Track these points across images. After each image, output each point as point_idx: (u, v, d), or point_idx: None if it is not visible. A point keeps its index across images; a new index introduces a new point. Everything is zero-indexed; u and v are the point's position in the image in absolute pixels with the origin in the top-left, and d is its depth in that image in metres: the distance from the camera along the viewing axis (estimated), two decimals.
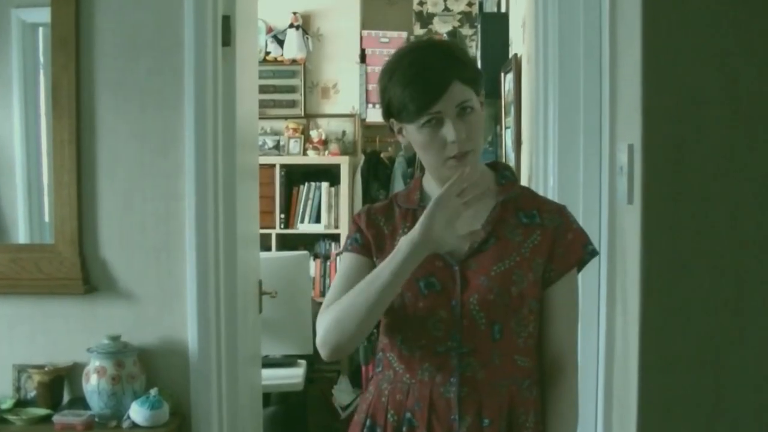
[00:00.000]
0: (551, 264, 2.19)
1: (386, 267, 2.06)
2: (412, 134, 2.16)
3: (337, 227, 6.89)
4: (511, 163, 4.37)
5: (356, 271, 2.22)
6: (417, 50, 2.21)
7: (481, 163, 2.30)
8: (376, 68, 7.25)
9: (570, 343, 2.26)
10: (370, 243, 2.26)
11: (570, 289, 2.24)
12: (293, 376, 5.31)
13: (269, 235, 6.84)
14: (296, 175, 7.06)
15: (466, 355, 2.13)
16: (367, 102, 7.24)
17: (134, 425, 3.24)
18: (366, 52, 7.35)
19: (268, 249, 6.74)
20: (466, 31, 7.60)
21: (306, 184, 6.99)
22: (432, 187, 2.26)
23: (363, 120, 7.26)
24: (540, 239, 2.19)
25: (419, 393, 2.16)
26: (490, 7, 6.24)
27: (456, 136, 2.09)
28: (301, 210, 6.95)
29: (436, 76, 2.10)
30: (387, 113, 2.22)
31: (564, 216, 2.25)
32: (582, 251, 2.23)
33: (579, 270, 2.26)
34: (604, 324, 2.75)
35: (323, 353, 2.15)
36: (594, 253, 2.26)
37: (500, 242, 2.18)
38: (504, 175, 2.30)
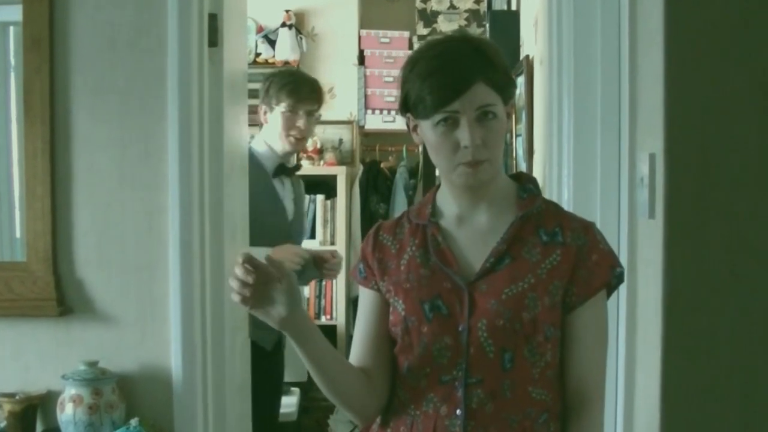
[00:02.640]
0: (573, 287, 2.14)
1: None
2: (425, 132, 2.17)
3: (333, 243, 6.87)
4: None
5: (367, 308, 2.30)
6: (446, 42, 2.19)
7: (504, 174, 2.29)
8: (375, 71, 7.27)
9: (594, 375, 2.20)
10: (374, 271, 2.28)
11: (595, 316, 2.18)
12: (286, 405, 5.30)
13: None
14: None
15: (472, 386, 2.11)
16: (366, 108, 7.25)
17: None
18: (365, 54, 7.36)
19: None
20: (473, 30, 7.61)
21: None
22: (445, 200, 2.26)
23: (361, 127, 7.26)
24: (560, 260, 2.15)
25: (423, 426, 2.15)
26: (499, 4, 6.25)
27: (470, 141, 2.09)
28: None
29: (460, 72, 2.09)
30: (404, 106, 2.22)
31: (590, 234, 2.19)
32: (608, 274, 2.17)
33: (609, 295, 2.21)
34: (623, 350, 2.75)
35: None
36: (622, 277, 2.20)
37: (516, 262, 2.15)
38: (526, 188, 2.26)
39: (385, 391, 2.26)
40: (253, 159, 4.34)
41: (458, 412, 2.11)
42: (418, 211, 2.30)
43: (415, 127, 2.22)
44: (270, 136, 4.49)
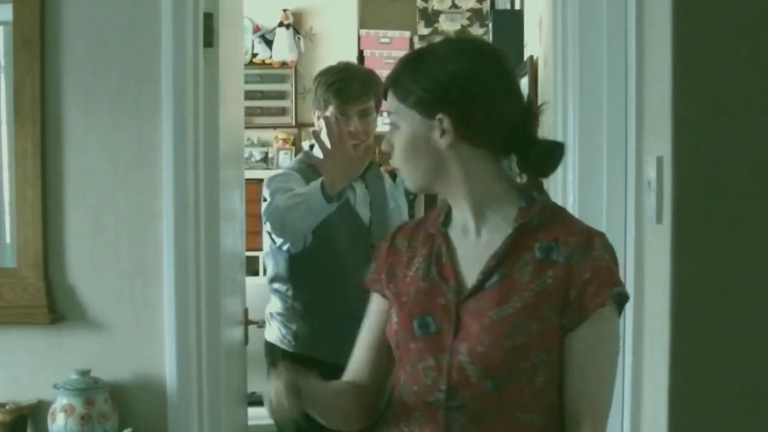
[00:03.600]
0: (567, 310, 2.05)
1: None
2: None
3: None
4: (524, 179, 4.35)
5: (372, 313, 2.34)
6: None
7: (509, 181, 2.22)
8: (375, 71, 7.26)
9: (590, 400, 2.08)
10: (382, 275, 2.29)
11: (594, 340, 2.07)
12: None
13: (256, 258, 6.82)
14: None
15: (454, 410, 2.07)
16: None
17: None
18: (364, 54, 7.38)
19: (256, 273, 6.73)
20: (476, 30, 7.63)
21: None
22: (459, 208, 2.23)
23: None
24: (551, 282, 2.06)
25: None
26: (502, 3, 6.26)
27: None
28: None
29: None
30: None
31: (589, 249, 2.07)
32: (603, 296, 2.05)
33: (619, 313, 2.10)
34: (630, 358, 2.75)
35: None
36: (623, 297, 2.09)
37: (505, 281, 2.09)
38: (528, 195, 2.16)
39: (380, 398, 2.28)
40: (314, 168, 3.83)
41: None
42: (433, 218, 2.28)
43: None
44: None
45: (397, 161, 2.18)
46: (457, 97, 2.10)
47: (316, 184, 3.51)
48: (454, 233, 2.21)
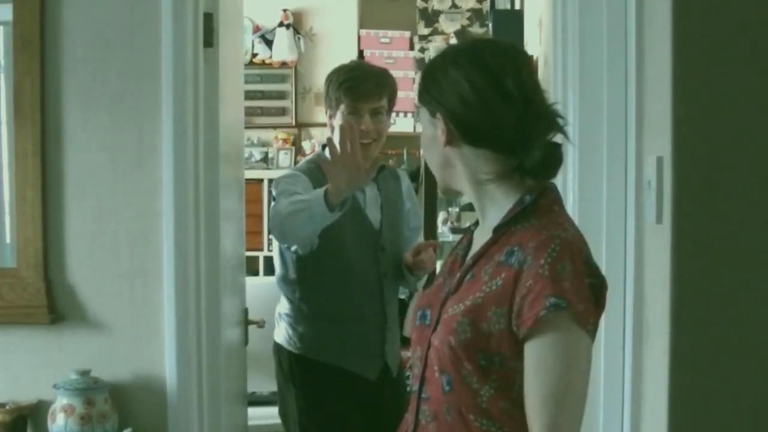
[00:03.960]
0: (516, 317, 2.00)
1: None
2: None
3: None
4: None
5: None
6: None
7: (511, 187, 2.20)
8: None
9: (538, 414, 1.97)
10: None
11: (540, 350, 1.99)
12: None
13: (256, 258, 6.84)
14: None
15: (423, 402, 2.16)
16: None
17: None
18: (364, 54, 7.38)
19: (255, 273, 6.74)
20: (475, 30, 7.63)
21: None
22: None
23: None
24: (501, 284, 2.04)
25: (401, 429, 2.31)
26: (502, 3, 6.26)
27: None
28: None
29: None
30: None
31: (538, 255, 2.00)
32: (539, 304, 1.97)
33: (580, 323, 1.98)
34: (629, 359, 2.75)
35: None
36: (559, 307, 1.95)
37: (472, 280, 2.12)
38: (522, 198, 2.14)
39: None
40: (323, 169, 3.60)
41: (411, 423, 2.20)
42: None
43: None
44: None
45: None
46: (450, 98, 2.14)
47: (319, 191, 3.41)
48: (477, 231, 2.28)
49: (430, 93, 2.18)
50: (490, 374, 2.04)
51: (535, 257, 2.00)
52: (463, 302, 2.08)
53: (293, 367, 3.94)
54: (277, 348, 4.03)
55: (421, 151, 2.30)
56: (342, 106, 3.87)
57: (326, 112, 4.02)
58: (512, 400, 2.04)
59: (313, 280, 3.90)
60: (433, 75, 2.19)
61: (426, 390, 2.14)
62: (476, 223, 2.30)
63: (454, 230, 6.96)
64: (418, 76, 2.24)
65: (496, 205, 2.17)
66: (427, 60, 2.29)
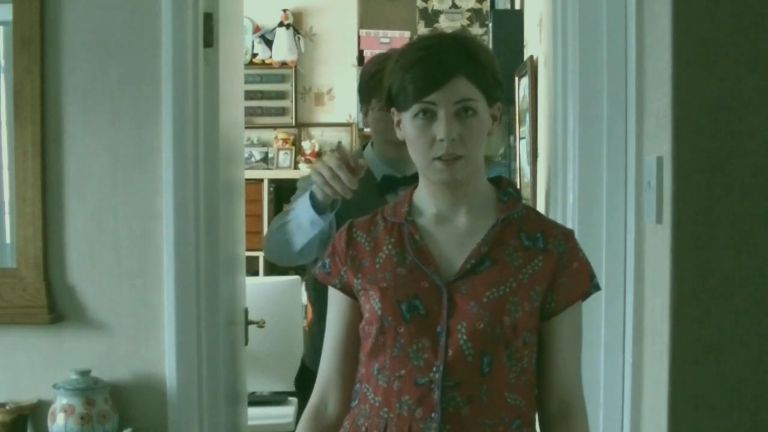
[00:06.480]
0: (553, 294, 2.21)
1: None
2: (405, 127, 2.22)
3: None
4: (527, 177, 4.37)
5: (337, 313, 2.36)
6: (434, 37, 2.32)
7: (485, 177, 2.33)
8: None
9: (576, 382, 2.27)
10: (342, 266, 2.31)
11: (574, 324, 2.26)
12: (283, 415, 5.30)
13: (256, 258, 6.84)
14: (286, 191, 7.04)
15: (449, 389, 2.14)
16: None
17: None
18: (364, 54, 7.38)
19: (255, 273, 6.74)
20: (476, 30, 7.63)
21: None
22: (423, 199, 2.30)
23: (361, 129, 7.26)
24: (542, 266, 2.20)
25: (398, 429, 2.17)
26: (502, 3, 6.26)
27: (446, 134, 2.13)
28: None
29: (441, 64, 2.14)
30: (388, 100, 2.27)
31: (571, 242, 2.25)
32: (588, 283, 2.25)
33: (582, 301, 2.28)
34: (630, 358, 2.75)
35: None
36: (598, 287, 2.28)
37: (497, 265, 2.19)
38: (507, 191, 2.30)
39: (347, 399, 2.32)
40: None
41: (434, 415, 2.14)
42: (394, 209, 2.33)
43: (399, 123, 2.26)
44: (374, 141, 3.63)
45: (472, 147, 2.18)
46: (502, 86, 2.24)
47: (304, 197, 3.18)
48: (423, 222, 2.28)
49: (494, 80, 2.21)
50: (524, 350, 2.19)
51: (569, 243, 2.24)
52: (505, 284, 2.16)
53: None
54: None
55: (475, 142, 2.18)
56: (374, 101, 3.50)
57: (363, 111, 3.68)
58: (527, 373, 2.21)
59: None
60: (488, 63, 2.21)
61: (452, 376, 2.13)
62: (409, 213, 2.28)
63: None
64: None
65: (482, 195, 2.27)
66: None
